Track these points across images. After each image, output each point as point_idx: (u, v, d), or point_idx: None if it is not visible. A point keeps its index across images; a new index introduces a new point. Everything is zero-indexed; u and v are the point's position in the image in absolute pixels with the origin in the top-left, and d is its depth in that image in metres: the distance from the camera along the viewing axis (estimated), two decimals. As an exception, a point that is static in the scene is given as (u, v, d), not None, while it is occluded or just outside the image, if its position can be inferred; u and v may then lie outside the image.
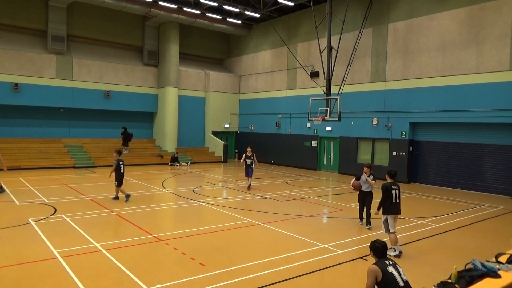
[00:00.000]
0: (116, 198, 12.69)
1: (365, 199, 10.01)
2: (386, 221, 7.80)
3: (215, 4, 23.04)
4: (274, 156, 26.43)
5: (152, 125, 27.93)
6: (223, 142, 27.97)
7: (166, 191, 15.19)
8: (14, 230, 8.90)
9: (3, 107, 21.74)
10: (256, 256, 7.53)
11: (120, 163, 12.55)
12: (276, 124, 26.42)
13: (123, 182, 12.71)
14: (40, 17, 22.89)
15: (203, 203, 12.67)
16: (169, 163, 24.17)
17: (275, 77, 26.76)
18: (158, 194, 14.79)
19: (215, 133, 28.87)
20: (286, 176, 20.51)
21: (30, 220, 9.69)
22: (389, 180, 8.03)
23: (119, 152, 12.98)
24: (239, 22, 26.84)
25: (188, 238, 8.65)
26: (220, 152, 27.75)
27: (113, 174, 12.55)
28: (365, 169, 10.01)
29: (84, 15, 24.30)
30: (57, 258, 7.04)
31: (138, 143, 26.27)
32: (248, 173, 15.77)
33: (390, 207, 7.74)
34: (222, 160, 27.40)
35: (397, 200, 7.79)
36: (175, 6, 23.97)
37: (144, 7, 23.58)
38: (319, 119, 19.43)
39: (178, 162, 24.29)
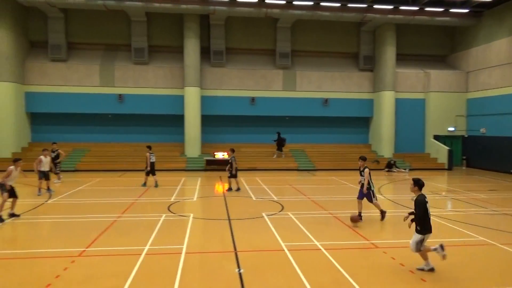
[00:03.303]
0: (44, 191, 14.46)
1: None
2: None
3: (437, -3, 21.13)
4: (515, 164, 22.01)
5: (367, 130, 27.91)
6: (447, 148, 25.20)
7: (383, 198, 14.89)
8: (252, 221, 10.60)
9: (242, 118, 26.26)
10: (490, 280, 6.51)
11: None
12: (518, 126, 21.92)
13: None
14: (269, 37, 26.48)
15: (423, 213, 11.78)
16: (385, 169, 23.55)
17: (516, 69, 22.30)
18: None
19: (437, 138, 26.36)
20: (533, 189, 16.72)
21: (263, 214, 11.32)
22: (419, 192, 6.88)
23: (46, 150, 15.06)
24: (465, 11, 23.72)
25: (406, 249, 8.25)
26: (443, 159, 25.15)
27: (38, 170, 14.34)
28: None
29: (305, 31, 26.64)
30: (283, 250, 7.99)
31: (353, 148, 26.73)
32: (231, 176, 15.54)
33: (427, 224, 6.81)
34: (446, 168, 24.74)
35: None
36: (391, 7, 23.29)
37: (360, 13, 23.88)
38: None
39: (396, 168, 23.38)
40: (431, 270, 6.91)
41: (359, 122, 27.75)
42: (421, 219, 6.76)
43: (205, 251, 8.01)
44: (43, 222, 10.74)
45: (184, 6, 22.61)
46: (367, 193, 10.75)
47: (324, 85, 26.50)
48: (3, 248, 8.42)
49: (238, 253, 7.84)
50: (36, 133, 25.31)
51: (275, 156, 25.05)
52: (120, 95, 24.81)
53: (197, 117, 24.78)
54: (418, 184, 6.93)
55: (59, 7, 23.17)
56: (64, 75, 24.59)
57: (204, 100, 25.22)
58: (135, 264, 7.08)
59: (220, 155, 23.31)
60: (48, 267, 7.00)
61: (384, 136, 26.05)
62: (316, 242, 8.53)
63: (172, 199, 13.87)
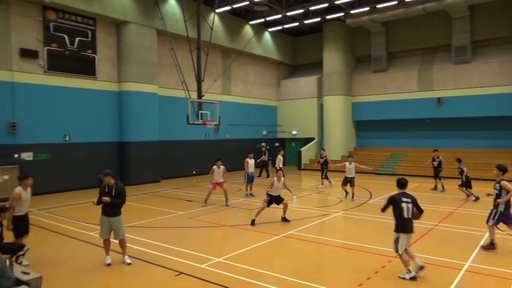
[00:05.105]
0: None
1: None
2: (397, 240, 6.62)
3: None
4: None
5: None
6: None
7: None
8: None
9: None
10: None
11: None
12: None
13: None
14: None
15: None
16: None
17: None
18: None
19: None
20: None
21: None
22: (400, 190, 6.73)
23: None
24: None
25: None
26: None
27: None
28: None
29: None
30: None
31: None
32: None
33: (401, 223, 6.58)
34: None
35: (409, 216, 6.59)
36: None
37: None
38: None
39: None
40: (413, 278, 6.45)
41: None
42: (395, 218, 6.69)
43: (547, 285, 6.42)
44: (363, 219, 11.80)
45: (519, -14, 19.11)
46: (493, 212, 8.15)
47: None
48: (333, 237, 9.89)
49: None
50: (360, 138, 28.32)
51: None
52: (439, 98, 23.86)
53: (537, 118, 20.27)
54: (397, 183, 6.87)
55: (380, 22, 24.96)
56: (384, 84, 26.26)
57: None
58: (454, 279, 6.59)
59: None
60: (368, 261, 7.64)
61: None
62: None
63: (501, 214, 11.93)
